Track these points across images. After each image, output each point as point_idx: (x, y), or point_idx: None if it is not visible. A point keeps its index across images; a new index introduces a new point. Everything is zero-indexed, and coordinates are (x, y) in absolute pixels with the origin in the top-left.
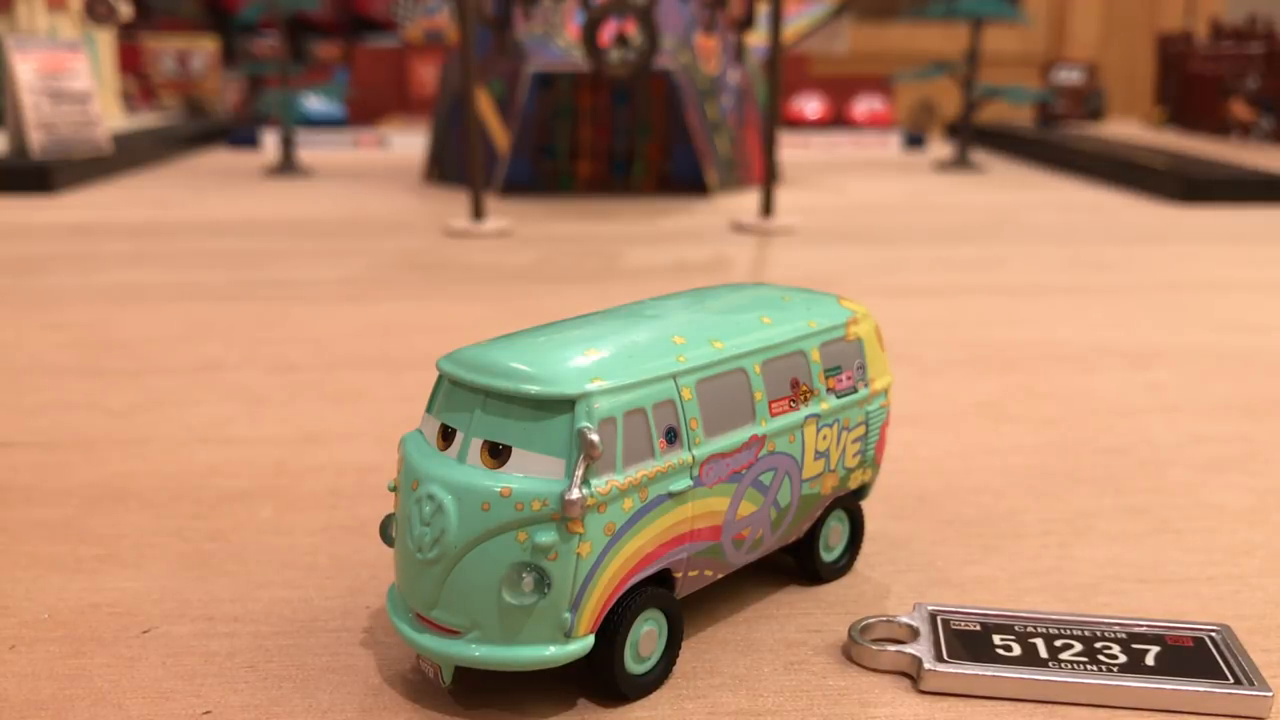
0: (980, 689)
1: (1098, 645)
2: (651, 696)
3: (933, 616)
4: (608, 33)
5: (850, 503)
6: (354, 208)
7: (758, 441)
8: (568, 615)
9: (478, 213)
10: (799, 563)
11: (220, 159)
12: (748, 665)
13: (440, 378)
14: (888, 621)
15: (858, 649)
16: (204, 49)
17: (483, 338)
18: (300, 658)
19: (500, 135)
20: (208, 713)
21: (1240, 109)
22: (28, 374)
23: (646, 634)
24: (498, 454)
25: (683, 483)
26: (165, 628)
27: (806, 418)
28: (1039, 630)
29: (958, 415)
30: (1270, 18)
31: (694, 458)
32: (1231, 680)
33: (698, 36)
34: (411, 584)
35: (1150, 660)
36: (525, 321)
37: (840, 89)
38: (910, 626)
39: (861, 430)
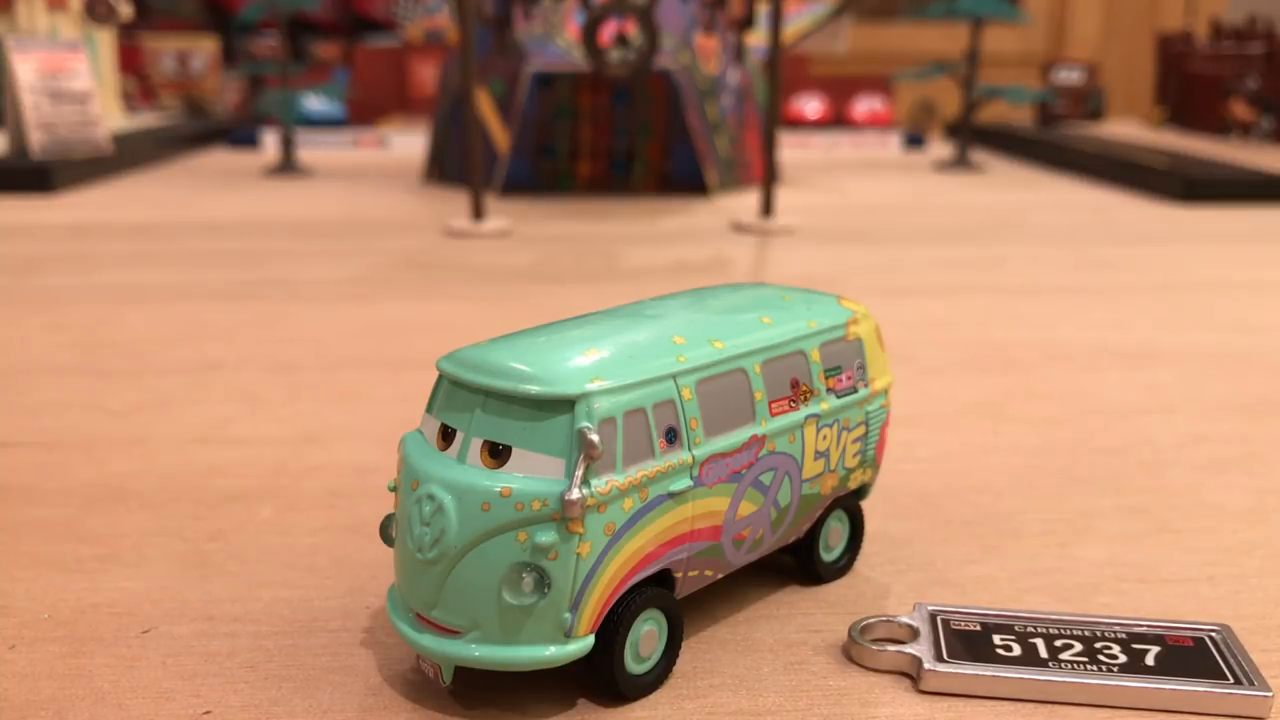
0: (980, 689)
1: (1098, 645)
2: (651, 696)
3: (933, 616)
4: (608, 33)
5: (850, 503)
6: (354, 208)
7: (758, 441)
8: (568, 615)
9: (478, 213)
10: (799, 563)
11: (220, 159)
12: (748, 665)
13: (440, 378)
14: (888, 621)
15: (858, 649)
16: (204, 49)
17: (483, 338)
18: (300, 658)
19: (500, 135)
20: (208, 713)
21: (1240, 109)
22: (28, 374)
23: (646, 634)
24: (498, 454)
25: (683, 483)
26: (165, 628)
27: (806, 418)
28: (1039, 630)
29: (958, 415)
30: (1270, 18)
31: (694, 458)
32: (1231, 680)
33: (698, 36)
34: (411, 584)
35: (1150, 660)
36: (525, 321)
37: (840, 89)
38: (910, 626)
39: (861, 430)
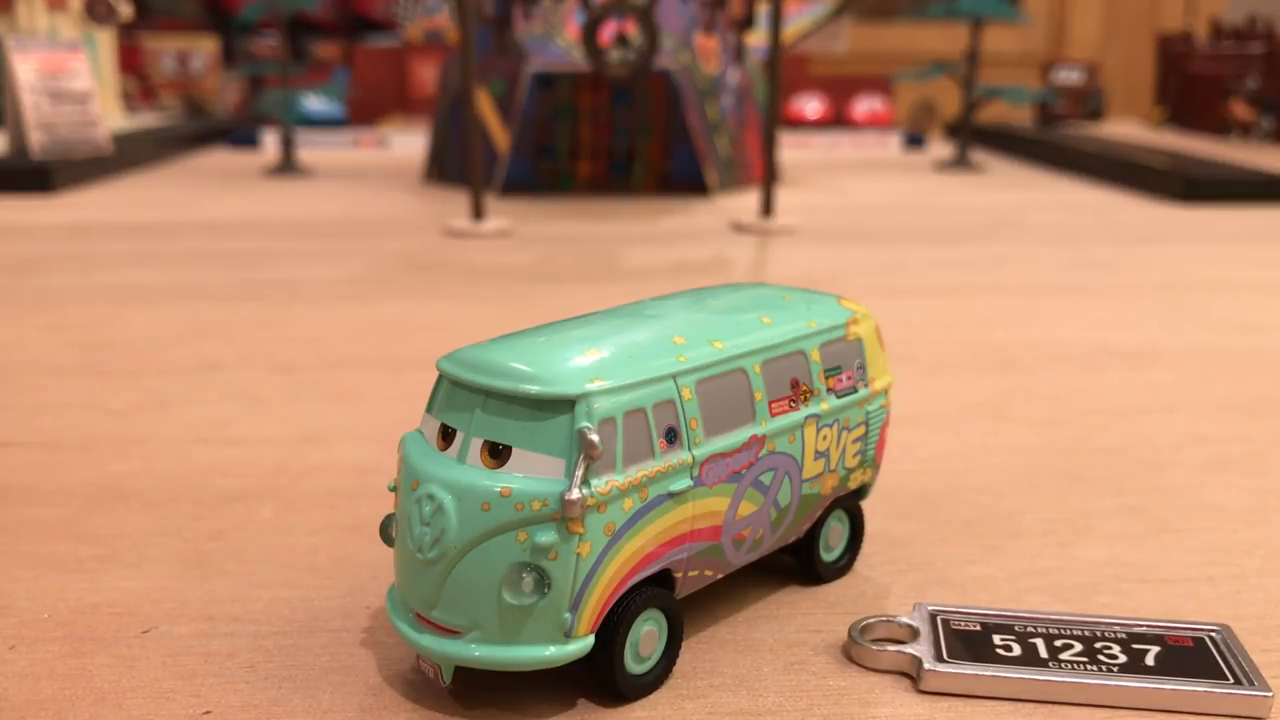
0: (980, 689)
1: (1098, 645)
2: (651, 696)
3: (933, 616)
4: (608, 33)
5: (850, 503)
6: (354, 208)
7: (758, 441)
8: (568, 615)
9: (478, 213)
10: (799, 563)
11: (220, 159)
12: (748, 665)
13: (440, 378)
14: (888, 621)
15: (858, 649)
16: (204, 49)
17: (483, 338)
18: (300, 658)
19: (500, 135)
20: (208, 713)
21: (1240, 109)
22: (28, 374)
23: (646, 634)
24: (498, 454)
25: (683, 483)
26: (165, 628)
27: (806, 418)
28: (1039, 630)
29: (958, 415)
30: (1270, 18)
31: (694, 458)
32: (1231, 680)
33: (698, 36)
34: (411, 584)
35: (1150, 660)
36: (525, 321)
37: (840, 89)
38: (910, 626)
39: (861, 430)
